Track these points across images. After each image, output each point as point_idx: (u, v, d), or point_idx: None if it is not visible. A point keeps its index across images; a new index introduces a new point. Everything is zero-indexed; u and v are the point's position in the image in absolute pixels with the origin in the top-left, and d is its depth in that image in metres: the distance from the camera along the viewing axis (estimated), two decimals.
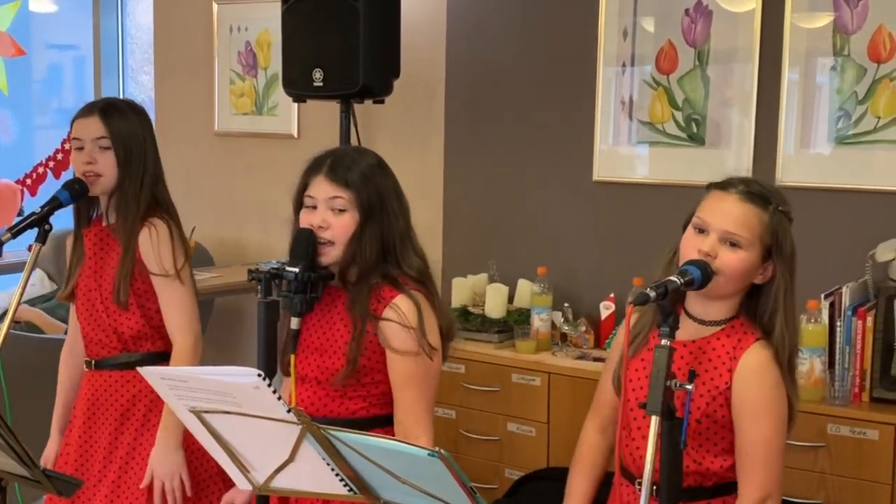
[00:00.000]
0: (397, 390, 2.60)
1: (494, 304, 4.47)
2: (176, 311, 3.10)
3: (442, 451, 1.79)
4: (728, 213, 2.38)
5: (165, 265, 3.07)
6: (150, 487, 3.05)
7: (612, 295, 4.38)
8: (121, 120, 3.10)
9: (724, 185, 2.43)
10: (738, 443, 2.40)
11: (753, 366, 2.38)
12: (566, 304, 4.46)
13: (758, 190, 2.42)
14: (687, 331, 2.42)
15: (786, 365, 2.41)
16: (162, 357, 3.13)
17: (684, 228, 2.47)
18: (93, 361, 3.17)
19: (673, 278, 2.24)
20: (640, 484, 2.45)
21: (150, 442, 3.07)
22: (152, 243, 3.06)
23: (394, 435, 2.61)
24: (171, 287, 3.09)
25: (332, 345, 2.61)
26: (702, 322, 2.45)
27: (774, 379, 2.38)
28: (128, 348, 3.13)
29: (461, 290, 4.64)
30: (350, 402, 2.62)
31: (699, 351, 2.43)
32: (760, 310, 2.43)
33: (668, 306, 2.19)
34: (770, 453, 2.37)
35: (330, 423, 2.42)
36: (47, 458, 3.23)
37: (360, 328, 2.56)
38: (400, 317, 2.55)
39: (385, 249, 2.60)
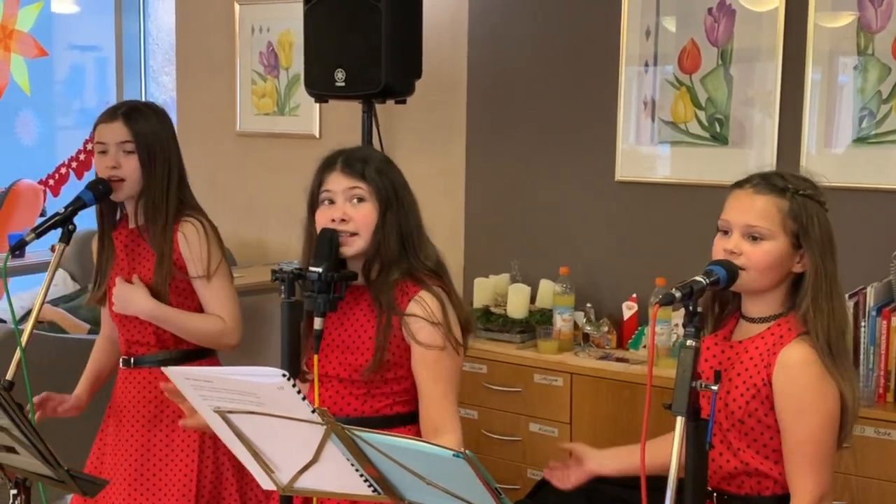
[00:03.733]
0: (425, 385, 2.60)
1: (516, 304, 4.47)
2: (217, 306, 3.14)
3: (467, 452, 1.78)
4: (745, 208, 2.38)
5: (202, 267, 3.11)
6: (189, 488, 3.09)
7: (634, 295, 4.37)
8: (144, 123, 3.11)
9: (741, 183, 2.44)
10: (784, 442, 2.36)
11: (793, 361, 2.34)
12: (588, 305, 4.45)
13: (774, 180, 2.41)
14: (743, 332, 2.44)
15: (829, 355, 2.35)
16: (200, 354, 3.17)
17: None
18: (131, 360, 3.19)
19: (698, 278, 2.23)
20: (715, 497, 2.45)
21: (189, 440, 3.11)
22: (190, 247, 3.09)
23: (417, 432, 2.63)
24: (211, 286, 3.12)
25: (355, 341, 2.61)
26: (752, 320, 2.44)
27: (817, 373, 2.33)
28: (166, 346, 3.15)
29: (483, 291, 4.63)
30: (374, 401, 2.63)
31: (741, 348, 2.42)
32: (799, 299, 2.40)
33: (694, 306, 2.18)
34: (819, 451, 2.33)
35: (354, 421, 2.46)
36: (44, 399, 3.16)
37: (386, 321, 2.57)
38: (426, 312, 2.56)
39: (404, 240, 2.62)
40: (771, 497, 2.41)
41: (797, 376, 2.34)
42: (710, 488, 2.44)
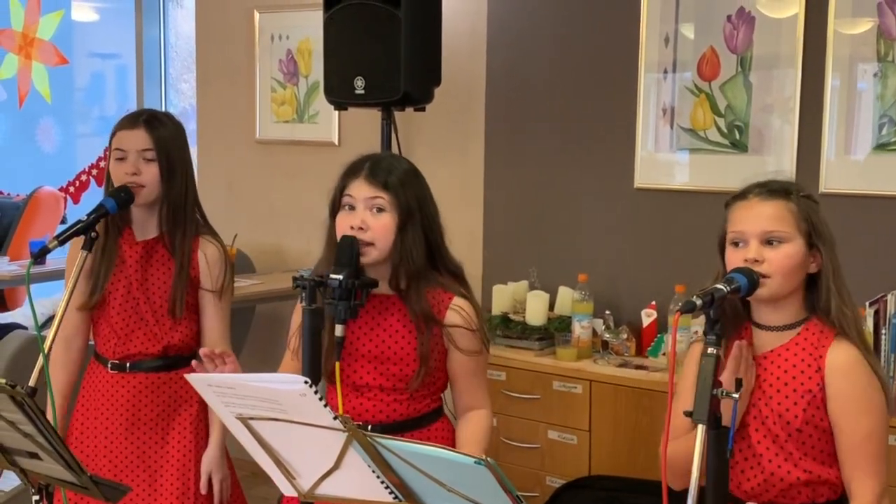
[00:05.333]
0: (463, 380, 2.75)
1: (535, 311, 4.47)
2: (218, 322, 3.21)
3: (489, 459, 1.79)
4: (759, 215, 2.40)
5: (218, 284, 3.18)
6: (188, 485, 3.14)
7: (653, 302, 4.37)
8: (164, 132, 3.13)
9: (743, 195, 2.46)
10: (840, 443, 2.38)
11: (842, 361, 2.37)
12: (607, 312, 4.44)
13: (775, 185, 2.45)
14: (765, 342, 2.44)
15: (867, 350, 2.40)
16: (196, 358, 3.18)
17: (721, 253, 2.48)
18: (127, 364, 3.19)
19: (719, 286, 2.24)
20: None
21: (184, 441, 3.17)
22: (210, 268, 3.16)
23: (445, 425, 2.78)
24: (217, 303, 3.19)
25: (396, 352, 2.67)
26: (776, 329, 2.45)
27: (866, 371, 2.38)
28: (168, 354, 3.18)
29: (502, 298, 4.63)
30: (416, 403, 2.72)
31: (780, 359, 2.43)
32: (821, 300, 2.42)
33: (715, 314, 2.18)
34: (877, 447, 2.37)
35: (399, 425, 2.66)
36: None
37: (427, 332, 2.65)
38: (466, 320, 2.66)
39: (432, 250, 2.67)
40: (824, 503, 2.42)
41: (851, 377, 2.37)
42: (763, 503, 2.45)
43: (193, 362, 2.53)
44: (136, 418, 3.18)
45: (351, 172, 2.66)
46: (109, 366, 3.22)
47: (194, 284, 3.17)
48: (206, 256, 3.15)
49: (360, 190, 2.62)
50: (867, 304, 3.64)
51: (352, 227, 2.60)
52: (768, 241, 2.38)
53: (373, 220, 2.60)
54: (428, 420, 2.75)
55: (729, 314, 2.47)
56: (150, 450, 3.18)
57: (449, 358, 2.71)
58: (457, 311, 2.66)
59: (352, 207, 2.63)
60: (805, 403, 2.38)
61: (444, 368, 2.72)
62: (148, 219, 3.17)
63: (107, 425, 3.21)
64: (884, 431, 2.39)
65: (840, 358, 2.37)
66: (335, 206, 2.68)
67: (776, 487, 2.43)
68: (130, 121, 3.15)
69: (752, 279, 2.31)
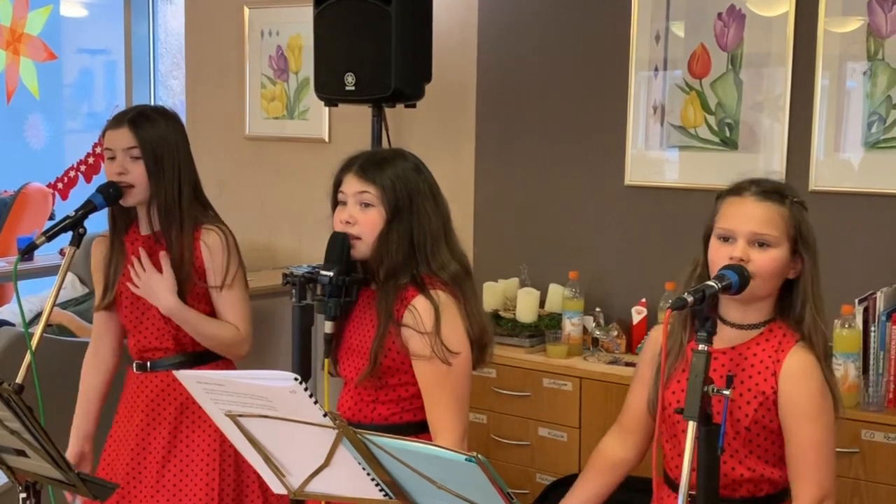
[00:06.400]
0: (422, 390, 2.61)
1: (525, 308, 4.46)
2: (232, 315, 3.15)
3: (479, 456, 1.78)
4: (750, 216, 2.39)
5: (221, 277, 3.13)
6: (212, 486, 3.10)
7: (643, 300, 4.36)
8: (151, 129, 3.11)
9: (738, 190, 2.45)
10: (788, 446, 2.39)
11: (798, 368, 2.37)
12: (598, 309, 4.44)
13: (770, 187, 2.44)
14: (725, 338, 2.42)
15: (825, 360, 2.41)
16: (216, 356, 3.18)
17: (704, 243, 2.48)
18: (147, 363, 3.18)
19: (710, 283, 2.24)
20: (690, 495, 2.45)
21: (209, 440, 3.12)
22: (213, 256, 3.12)
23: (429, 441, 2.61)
24: (227, 296, 3.15)
25: (362, 346, 2.63)
26: (740, 327, 2.45)
27: (820, 379, 2.38)
28: (185, 349, 3.16)
29: (492, 295, 4.63)
30: (382, 407, 2.63)
31: (740, 357, 2.42)
32: (793, 304, 2.43)
33: (706, 311, 2.18)
34: (823, 454, 2.37)
35: (364, 428, 2.43)
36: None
37: (383, 328, 2.57)
38: (415, 321, 2.55)
39: (414, 249, 2.60)
40: (766, 497, 2.44)
41: (803, 383, 2.37)
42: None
43: None
44: (157, 417, 3.16)
45: (346, 167, 2.66)
46: (134, 366, 3.22)
47: (202, 276, 3.13)
48: (208, 245, 3.12)
49: (351, 185, 2.61)
50: (856, 301, 3.64)
51: (340, 221, 2.59)
52: (758, 244, 2.38)
53: (360, 216, 2.59)
54: (399, 432, 2.49)
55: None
56: (175, 448, 3.14)
57: (412, 365, 2.60)
58: (411, 312, 2.55)
59: (344, 203, 2.62)
60: (757, 404, 2.39)
61: (409, 372, 2.60)
62: (147, 215, 3.17)
63: (130, 426, 3.20)
64: (829, 441, 2.38)
65: (797, 364, 2.37)
66: (335, 201, 2.67)
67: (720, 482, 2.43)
68: (117, 120, 3.14)
69: (744, 276, 2.31)
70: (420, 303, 2.56)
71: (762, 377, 2.39)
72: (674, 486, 2.50)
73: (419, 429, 2.64)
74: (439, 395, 2.59)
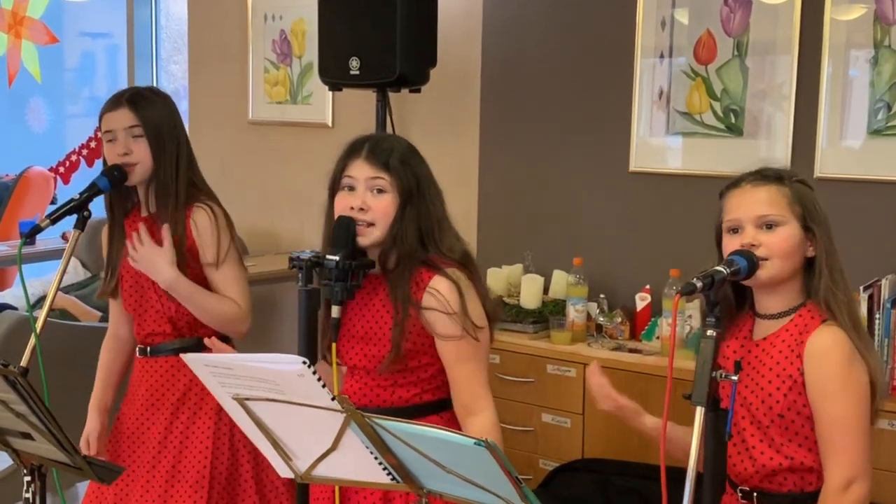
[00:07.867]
0: (450, 368, 2.59)
1: (530, 294, 4.46)
2: (229, 292, 3.13)
3: (488, 439, 1.78)
4: (752, 201, 2.41)
5: (213, 254, 3.10)
6: (203, 475, 3.09)
7: (647, 286, 4.36)
8: (150, 107, 3.10)
9: (736, 183, 2.47)
10: (816, 427, 2.36)
11: (818, 345, 2.35)
12: (602, 295, 4.44)
13: (767, 172, 2.46)
14: (761, 330, 2.45)
15: (856, 333, 2.37)
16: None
17: (718, 244, 2.49)
18: (148, 348, 3.19)
19: (719, 268, 2.24)
20: (741, 491, 2.46)
21: (203, 427, 3.12)
22: (201, 233, 3.09)
23: (450, 419, 2.63)
24: (222, 272, 3.13)
25: (375, 332, 2.61)
26: (772, 317, 2.45)
27: (842, 354, 2.34)
28: (182, 334, 3.15)
29: (496, 281, 4.62)
30: (401, 390, 2.62)
31: (770, 346, 2.42)
32: (815, 284, 2.41)
33: (714, 297, 2.18)
34: (850, 433, 2.32)
35: (382, 412, 2.44)
36: (89, 433, 3.23)
37: (403, 313, 2.55)
38: (441, 303, 2.53)
39: (423, 233, 2.60)
40: (814, 492, 2.40)
41: (823, 360, 2.34)
42: (748, 488, 2.45)
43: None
44: (157, 402, 3.16)
45: (351, 152, 2.62)
46: (138, 351, 3.22)
47: (195, 256, 3.11)
48: (196, 223, 3.09)
49: (361, 170, 2.59)
50: (861, 288, 3.64)
51: (352, 208, 2.57)
52: (765, 226, 2.39)
53: (374, 201, 2.57)
54: (420, 412, 2.58)
55: (737, 303, 2.50)
56: (171, 434, 3.14)
57: (437, 346, 2.59)
58: (431, 294, 2.54)
59: (352, 188, 2.60)
60: (787, 389, 2.38)
61: (431, 353, 2.59)
62: (146, 195, 3.16)
63: (132, 409, 3.21)
64: (857, 418, 2.33)
65: (818, 342, 2.35)
66: (334, 187, 2.64)
67: (759, 473, 2.43)
68: (114, 101, 3.13)
69: (752, 261, 2.31)
70: (440, 284, 2.55)
71: (788, 361, 2.38)
72: (733, 484, 2.49)
73: (439, 407, 2.64)
74: (472, 371, 2.58)
